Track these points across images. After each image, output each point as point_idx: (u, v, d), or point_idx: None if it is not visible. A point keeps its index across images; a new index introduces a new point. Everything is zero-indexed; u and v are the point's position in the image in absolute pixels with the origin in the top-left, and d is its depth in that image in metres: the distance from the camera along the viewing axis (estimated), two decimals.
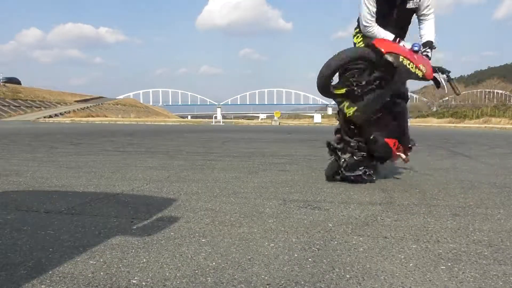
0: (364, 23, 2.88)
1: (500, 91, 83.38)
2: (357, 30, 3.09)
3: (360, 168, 3.04)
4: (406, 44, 2.81)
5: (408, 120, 3.36)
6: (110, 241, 1.66)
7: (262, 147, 7.18)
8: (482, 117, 33.24)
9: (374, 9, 2.84)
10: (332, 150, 3.12)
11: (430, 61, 2.86)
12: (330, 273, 1.36)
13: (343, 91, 2.82)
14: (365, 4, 2.84)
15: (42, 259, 1.45)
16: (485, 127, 24.46)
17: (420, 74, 2.74)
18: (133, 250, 1.55)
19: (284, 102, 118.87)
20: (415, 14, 3.02)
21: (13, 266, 1.38)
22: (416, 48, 2.73)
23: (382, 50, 2.64)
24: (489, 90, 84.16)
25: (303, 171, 3.85)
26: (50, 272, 1.33)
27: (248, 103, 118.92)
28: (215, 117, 38.79)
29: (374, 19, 2.88)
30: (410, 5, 2.90)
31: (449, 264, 1.46)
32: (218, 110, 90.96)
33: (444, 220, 2.07)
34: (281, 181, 3.26)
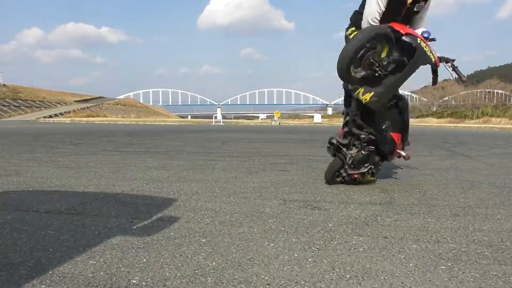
0: (371, 22, 2.84)
1: (500, 91, 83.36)
2: (353, 28, 3.07)
3: (365, 165, 2.97)
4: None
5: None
6: (110, 241, 1.66)
7: (262, 147, 7.18)
8: (482, 117, 33.19)
9: (384, 9, 2.82)
10: (336, 147, 3.02)
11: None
12: (330, 273, 1.36)
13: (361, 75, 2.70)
14: (377, 2, 2.80)
15: (42, 259, 1.45)
16: (485, 127, 24.44)
17: (433, 59, 2.74)
18: (133, 250, 1.55)
19: (284, 102, 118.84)
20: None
21: (13, 266, 1.38)
22: (426, 35, 2.72)
23: (401, 31, 2.65)
24: (489, 90, 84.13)
25: (303, 171, 3.85)
26: (50, 272, 1.33)
27: (248, 103, 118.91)
28: (215, 117, 38.74)
29: (380, 18, 2.85)
30: (416, 8, 2.89)
31: (449, 264, 1.46)
32: (218, 110, 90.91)
33: (444, 220, 2.08)
34: (281, 181, 3.26)
